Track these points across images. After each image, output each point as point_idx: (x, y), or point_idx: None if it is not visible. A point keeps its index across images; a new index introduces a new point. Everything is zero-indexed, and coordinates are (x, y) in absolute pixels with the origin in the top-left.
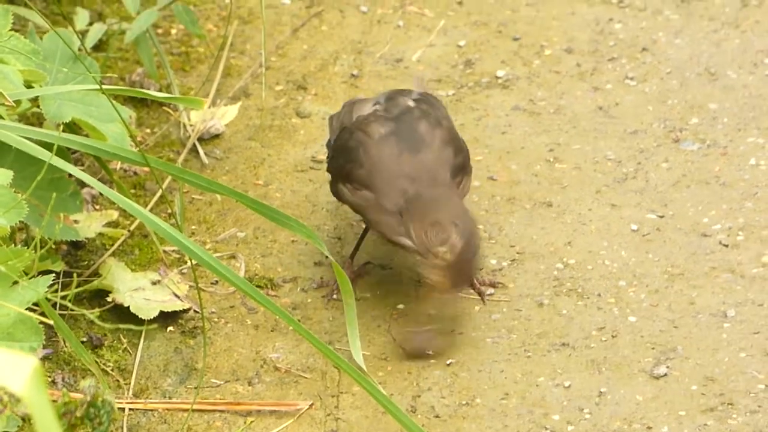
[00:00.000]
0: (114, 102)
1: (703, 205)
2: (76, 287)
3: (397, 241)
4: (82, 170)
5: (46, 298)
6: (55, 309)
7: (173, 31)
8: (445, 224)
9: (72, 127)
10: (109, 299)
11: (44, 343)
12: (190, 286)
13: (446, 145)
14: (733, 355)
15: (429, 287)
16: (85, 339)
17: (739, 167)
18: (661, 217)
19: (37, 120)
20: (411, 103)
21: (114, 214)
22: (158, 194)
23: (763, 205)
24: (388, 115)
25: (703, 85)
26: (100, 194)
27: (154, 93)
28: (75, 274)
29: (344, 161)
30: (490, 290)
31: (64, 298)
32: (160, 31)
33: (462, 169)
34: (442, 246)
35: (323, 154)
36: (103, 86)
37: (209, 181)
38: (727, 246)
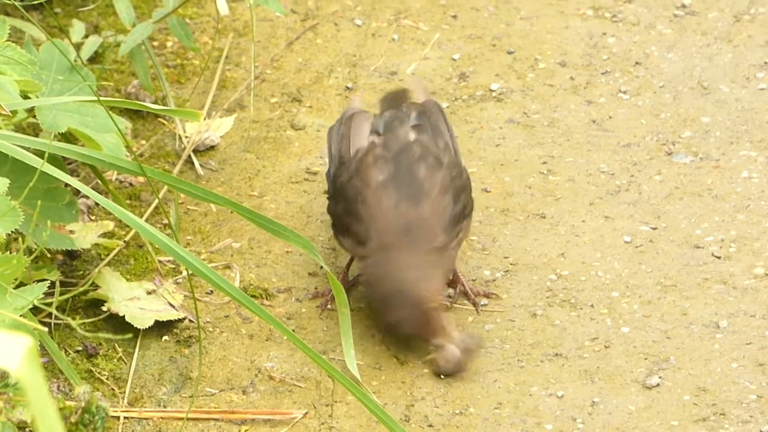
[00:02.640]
0: (110, 113)
1: (696, 217)
2: (71, 296)
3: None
4: (78, 181)
5: (35, 307)
6: (51, 318)
7: (169, 44)
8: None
9: (68, 137)
10: (104, 308)
11: (40, 351)
12: (185, 296)
13: (446, 191)
14: (725, 366)
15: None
16: (80, 348)
17: (731, 180)
18: (654, 228)
19: (33, 130)
20: (411, 136)
21: (110, 225)
22: (154, 204)
23: (755, 217)
24: (387, 155)
25: (695, 98)
26: (96, 205)
27: (150, 105)
28: (57, 283)
29: (343, 212)
30: (484, 301)
31: (50, 305)
32: (155, 43)
33: (462, 213)
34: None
35: (318, 166)
36: (100, 97)
37: (204, 190)
38: (719, 258)
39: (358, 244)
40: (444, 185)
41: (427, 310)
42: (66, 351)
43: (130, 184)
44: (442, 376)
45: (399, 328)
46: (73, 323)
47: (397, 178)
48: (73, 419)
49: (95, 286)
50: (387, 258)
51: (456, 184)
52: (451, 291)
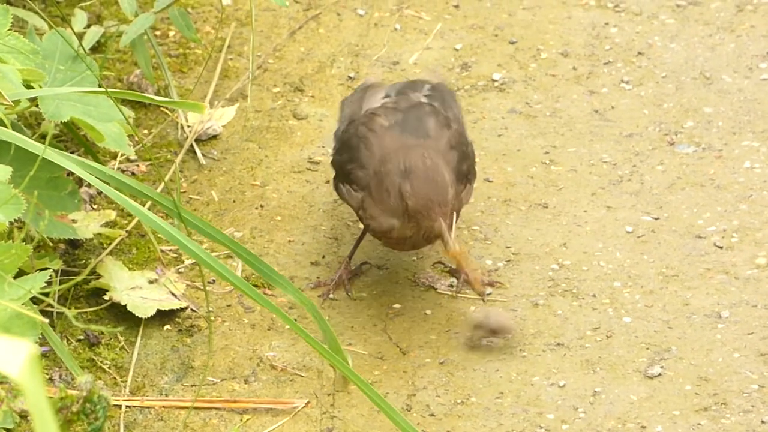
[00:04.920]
0: (115, 102)
1: (698, 207)
2: (72, 285)
3: (390, 230)
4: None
5: (36, 297)
6: (53, 307)
7: (171, 33)
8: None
9: (70, 126)
10: (106, 298)
11: (41, 340)
12: (187, 285)
13: (452, 148)
14: (726, 356)
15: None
16: (82, 337)
17: (733, 170)
18: (656, 219)
19: (36, 120)
20: (423, 99)
21: (112, 214)
22: (160, 187)
23: (757, 207)
24: (396, 107)
25: (698, 88)
26: (98, 194)
27: (155, 97)
28: (55, 274)
29: (347, 159)
30: (489, 290)
31: (47, 295)
32: (158, 33)
33: (465, 176)
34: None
35: (320, 156)
36: (102, 87)
37: (213, 228)
38: (721, 248)
39: (357, 190)
40: (451, 142)
41: (444, 186)
42: (68, 340)
43: (132, 174)
44: (488, 341)
45: (408, 196)
46: (69, 314)
47: (403, 123)
48: (74, 409)
49: (97, 275)
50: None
51: (461, 148)
52: (454, 280)
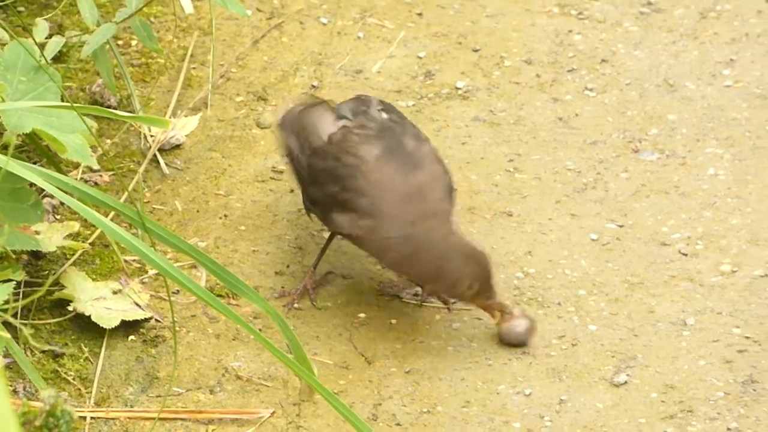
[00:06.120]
0: (79, 114)
1: (663, 214)
2: (36, 297)
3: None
4: (44, 181)
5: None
6: (17, 318)
7: (134, 42)
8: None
9: (33, 138)
10: (70, 308)
11: (5, 352)
12: (151, 296)
13: (436, 162)
14: (692, 363)
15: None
16: (46, 348)
17: (697, 177)
18: (621, 226)
19: None
20: (384, 116)
21: (75, 226)
22: (123, 197)
23: (721, 214)
24: (369, 132)
25: (662, 96)
26: (61, 204)
27: (119, 112)
28: (18, 285)
29: (339, 189)
30: (453, 299)
31: (14, 305)
32: (120, 42)
33: (451, 183)
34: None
35: (284, 165)
36: (65, 98)
37: (177, 238)
38: (686, 255)
39: (365, 216)
40: (432, 158)
41: (490, 264)
42: (32, 351)
43: (95, 184)
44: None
45: (471, 289)
46: (26, 332)
47: (390, 150)
48: (37, 423)
49: (61, 286)
50: (419, 230)
51: (442, 160)
52: (419, 290)
